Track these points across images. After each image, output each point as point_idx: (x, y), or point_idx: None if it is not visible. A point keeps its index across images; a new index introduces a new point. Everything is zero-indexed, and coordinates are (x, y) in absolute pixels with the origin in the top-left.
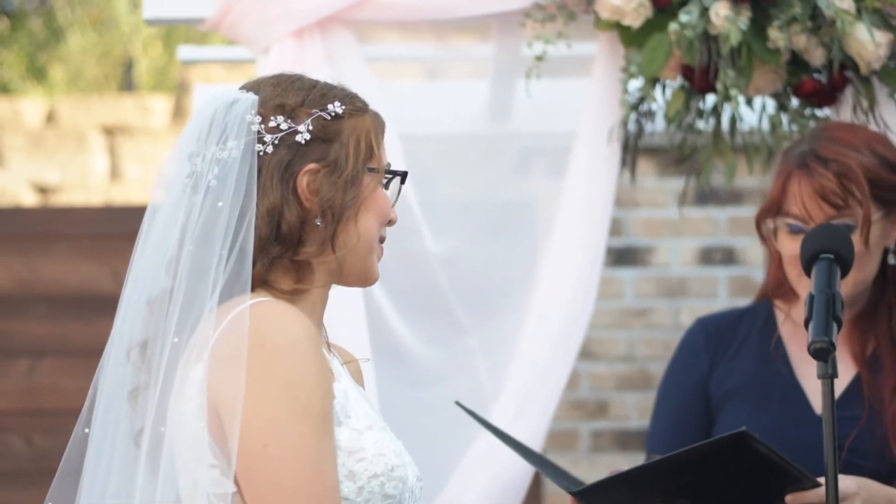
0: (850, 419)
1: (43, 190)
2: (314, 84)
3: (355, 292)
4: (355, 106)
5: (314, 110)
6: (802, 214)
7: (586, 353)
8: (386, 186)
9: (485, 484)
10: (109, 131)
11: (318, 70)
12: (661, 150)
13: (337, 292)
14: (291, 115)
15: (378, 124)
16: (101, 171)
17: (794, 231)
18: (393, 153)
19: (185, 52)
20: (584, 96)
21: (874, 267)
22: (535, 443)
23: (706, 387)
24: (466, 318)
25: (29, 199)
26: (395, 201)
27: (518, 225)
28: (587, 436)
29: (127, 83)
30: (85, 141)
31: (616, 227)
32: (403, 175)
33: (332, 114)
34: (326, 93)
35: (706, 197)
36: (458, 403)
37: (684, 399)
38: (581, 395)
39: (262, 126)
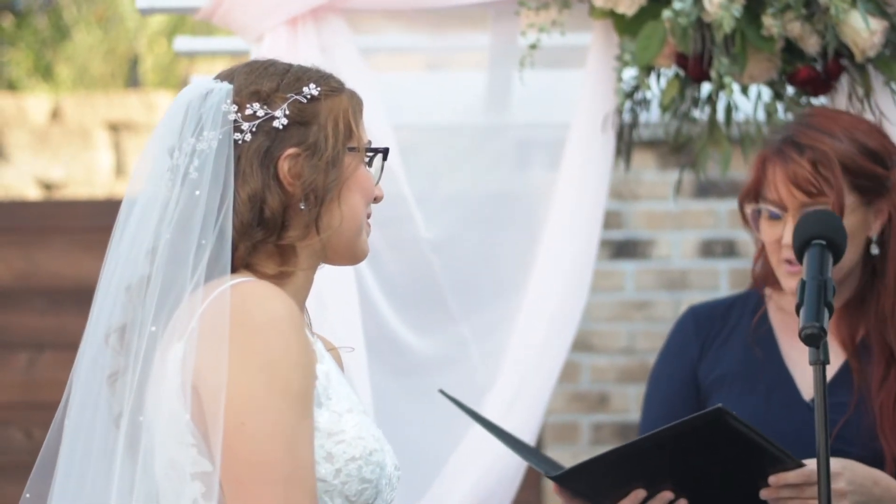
0: (839, 405)
1: (48, 186)
2: (288, 68)
3: (349, 281)
4: (331, 86)
5: (290, 94)
6: (777, 200)
7: (587, 346)
8: (369, 164)
9: (478, 474)
10: (114, 128)
11: (312, 59)
12: (662, 143)
13: (330, 280)
14: (267, 101)
15: (356, 103)
16: (105, 167)
17: (772, 217)
18: (387, 143)
19: (181, 42)
20: (579, 86)
21: (852, 255)
22: (530, 432)
23: (696, 374)
24: (459, 307)
25: (34, 196)
26: (379, 178)
27: (512, 215)
28: (588, 428)
29: (132, 80)
30: (90, 137)
31: (617, 220)
32: (385, 152)
33: (308, 96)
34: (301, 76)
35: (707, 189)
36: (441, 392)
37: (675, 387)
38: (582, 387)
39: (239, 114)
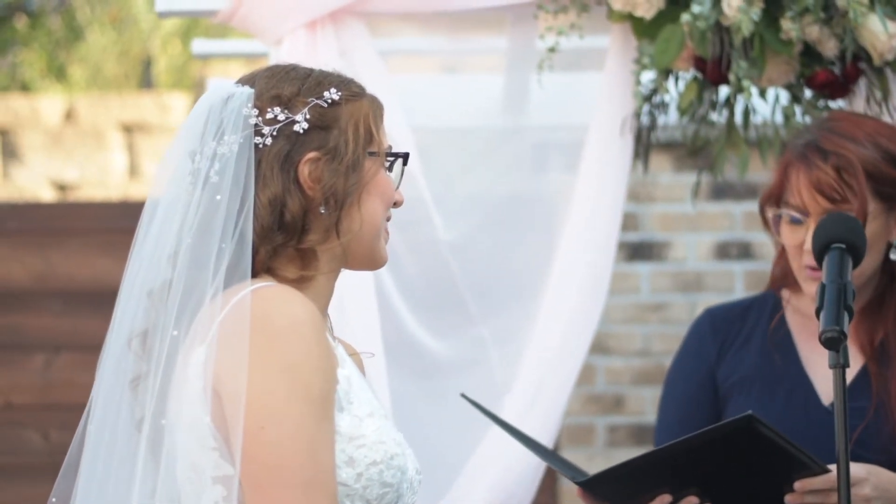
0: (858, 410)
1: (62, 187)
2: (309, 73)
3: (367, 284)
4: (352, 91)
5: (310, 99)
6: (800, 206)
7: (602, 348)
8: (389, 169)
9: (497, 476)
10: (128, 129)
11: (331, 62)
12: (678, 145)
13: (348, 284)
14: (288, 105)
15: (376, 108)
16: (119, 168)
17: (793, 222)
18: (406, 146)
19: (198, 45)
20: (597, 89)
21: (873, 261)
22: (548, 434)
23: (714, 377)
24: (478, 309)
25: (48, 197)
26: (399, 183)
27: (530, 217)
28: (603, 430)
29: (146, 81)
30: (104, 139)
31: (632, 222)
32: (405, 156)
33: (329, 101)
34: (322, 80)
35: (722, 191)
36: (463, 395)
37: (692, 390)
38: (597, 389)
39: (260, 119)
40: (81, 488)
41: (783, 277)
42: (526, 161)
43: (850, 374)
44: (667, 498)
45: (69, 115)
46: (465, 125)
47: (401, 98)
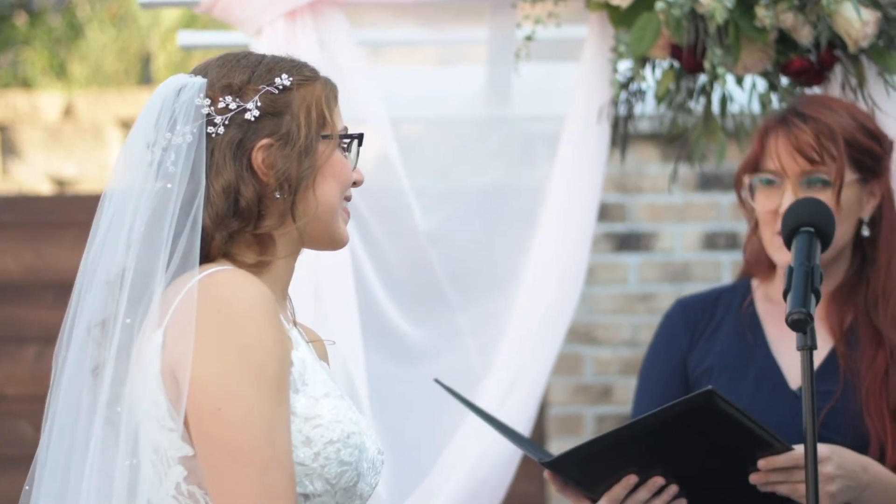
0: (825, 394)
1: (60, 183)
2: (260, 60)
3: (346, 271)
4: (303, 75)
5: (261, 86)
6: (777, 168)
7: (590, 338)
8: (347, 149)
9: (474, 460)
10: (127, 125)
11: (311, 53)
12: (665, 136)
13: (327, 271)
14: (239, 93)
15: (329, 90)
16: None
17: (769, 184)
18: (384, 135)
19: (183, 37)
20: (575, 78)
21: (844, 232)
22: (525, 422)
23: (685, 366)
24: (456, 297)
25: (46, 193)
26: (356, 163)
27: (508, 206)
28: (591, 420)
29: (146, 77)
30: (102, 135)
31: (620, 213)
32: (360, 137)
33: (280, 87)
34: (273, 67)
35: (709, 182)
36: (437, 381)
37: (664, 379)
38: (585, 379)
39: (212, 108)
40: (47, 476)
41: (753, 264)
42: (507, 151)
43: (819, 357)
44: (633, 478)
45: (68, 112)
46: (447, 115)
47: (380, 88)
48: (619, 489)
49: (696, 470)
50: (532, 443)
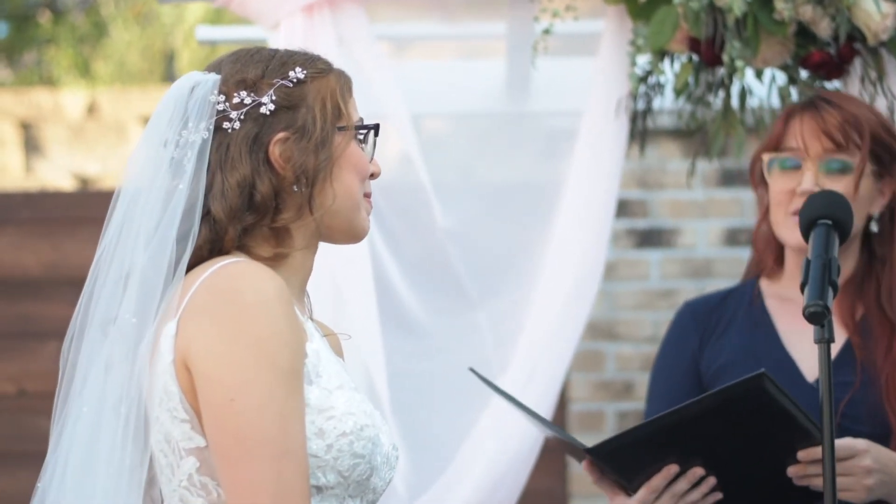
0: (843, 384)
1: (83, 181)
2: (274, 54)
3: (365, 267)
4: (317, 68)
5: (275, 80)
6: (800, 146)
7: (612, 334)
8: (364, 141)
9: (493, 456)
10: None
11: (329, 48)
12: (687, 132)
13: (347, 265)
14: (254, 88)
15: (344, 82)
16: None
17: (786, 166)
18: (404, 131)
19: (202, 32)
20: (593, 72)
21: (855, 224)
22: (544, 416)
23: (697, 367)
24: (475, 291)
25: (68, 190)
26: (373, 154)
27: (527, 200)
28: (613, 416)
29: (169, 75)
30: (125, 132)
31: (642, 209)
32: (376, 128)
33: (294, 80)
34: (287, 60)
35: (732, 178)
36: (471, 370)
37: (677, 380)
38: (607, 375)
39: (227, 104)
40: (58, 473)
41: (761, 256)
42: (526, 147)
43: (835, 348)
44: (674, 468)
45: (91, 109)
46: (466, 111)
47: (399, 84)
48: (658, 479)
49: (733, 462)
50: (565, 433)
